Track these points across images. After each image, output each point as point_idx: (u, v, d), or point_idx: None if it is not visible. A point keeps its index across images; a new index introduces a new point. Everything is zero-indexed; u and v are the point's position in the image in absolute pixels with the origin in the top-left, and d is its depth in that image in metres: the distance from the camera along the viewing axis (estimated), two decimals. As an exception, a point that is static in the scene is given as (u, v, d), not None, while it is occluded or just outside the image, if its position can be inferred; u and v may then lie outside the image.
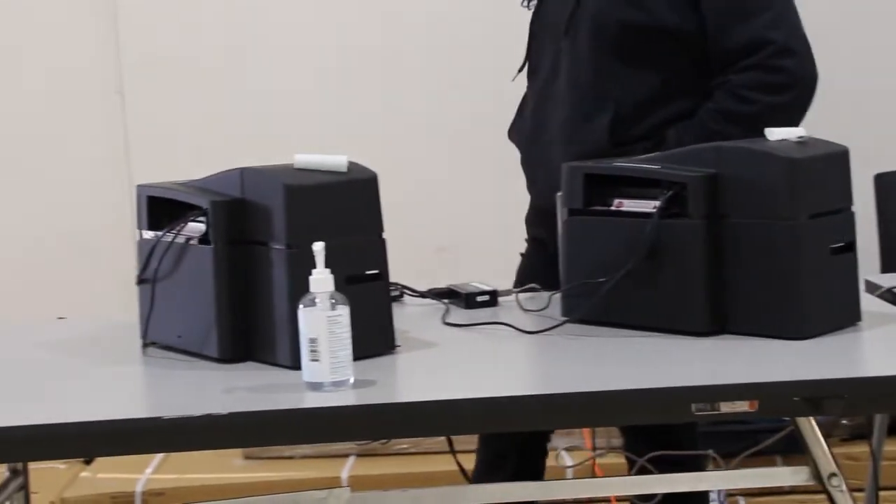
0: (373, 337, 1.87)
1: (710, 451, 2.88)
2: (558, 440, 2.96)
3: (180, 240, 1.94)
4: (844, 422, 3.04)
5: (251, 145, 3.53)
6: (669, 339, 1.93)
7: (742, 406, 1.68)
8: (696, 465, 2.51)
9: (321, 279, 1.74)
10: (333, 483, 3.03)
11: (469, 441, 2.60)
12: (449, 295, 2.24)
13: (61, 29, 3.70)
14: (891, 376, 1.73)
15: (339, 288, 1.75)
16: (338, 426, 1.70)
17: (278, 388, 1.78)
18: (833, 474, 1.99)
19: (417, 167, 3.59)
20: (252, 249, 1.88)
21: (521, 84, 2.57)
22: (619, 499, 2.89)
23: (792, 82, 2.29)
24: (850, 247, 1.95)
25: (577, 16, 2.38)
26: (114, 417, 1.67)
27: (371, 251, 1.90)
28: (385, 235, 1.92)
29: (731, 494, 3.01)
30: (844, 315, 1.95)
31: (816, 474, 2.01)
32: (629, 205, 2.00)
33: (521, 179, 2.53)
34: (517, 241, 2.59)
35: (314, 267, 1.75)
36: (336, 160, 1.89)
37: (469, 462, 2.55)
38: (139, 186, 2.04)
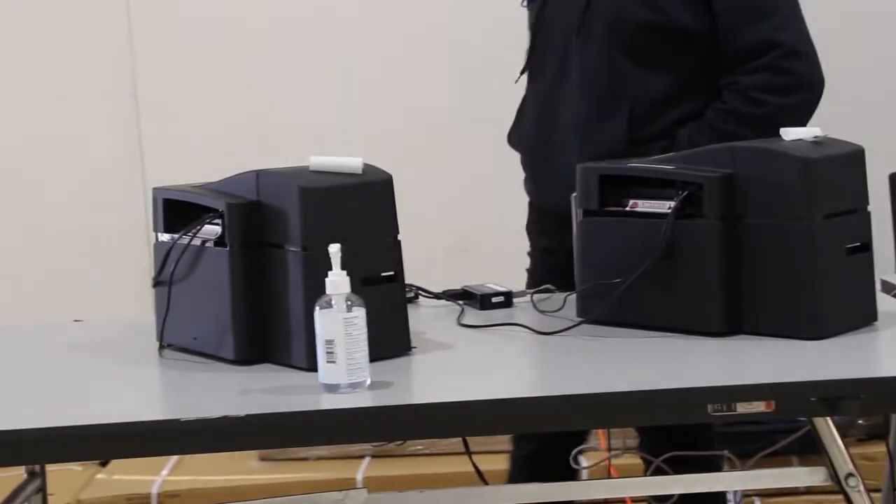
0: (389, 338, 1.88)
1: (726, 452, 2.87)
2: (573, 441, 2.95)
3: (196, 242, 1.94)
4: (861, 422, 3.03)
5: (265, 147, 3.54)
6: (685, 339, 1.93)
7: (758, 406, 1.68)
8: (712, 465, 2.51)
9: (337, 281, 1.74)
10: (349, 484, 3.04)
11: (484, 442, 2.60)
12: (464, 296, 2.24)
13: (75, 30, 3.71)
14: (908, 376, 1.73)
15: (355, 289, 1.75)
16: (354, 427, 1.70)
17: (294, 389, 1.78)
18: (850, 474, 1.98)
19: (432, 169, 3.59)
20: (268, 251, 1.89)
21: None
22: (634, 499, 2.88)
23: (800, 84, 2.31)
24: (866, 246, 1.95)
25: (589, 16, 2.37)
26: (131, 420, 1.68)
27: (386, 253, 1.90)
28: (400, 237, 1.92)
29: (747, 495, 3.00)
30: (860, 315, 1.94)
31: (833, 475, 2.01)
32: (644, 205, 2.00)
33: (535, 181, 2.53)
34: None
35: (330, 269, 1.75)
36: (351, 162, 1.90)
37: (485, 463, 2.55)
38: (155, 189, 2.05)
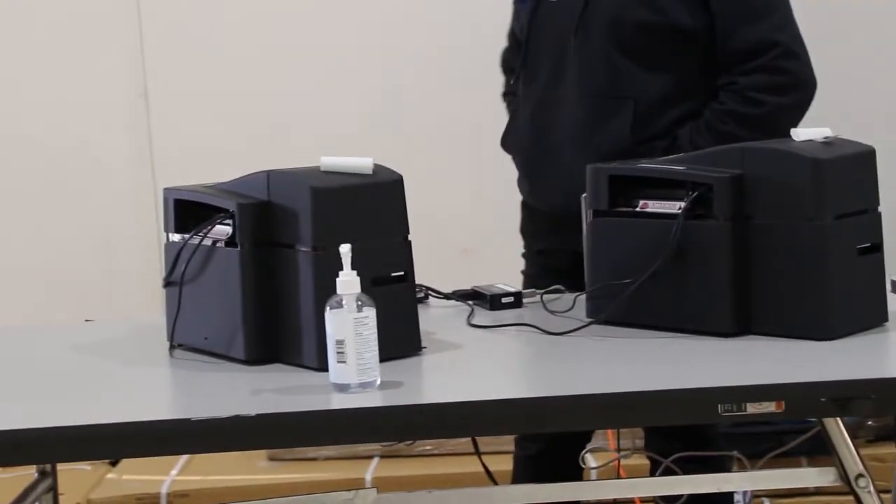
0: (399, 338, 1.88)
1: (735, 452, 2.87)
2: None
3: (207, 242, 1.95)
4: (870, 423, 3.03)
5: (275, 147, 3.55)
6: (695, 340, 1.93)
7: (769, 407, 1.68)
8: (719, 465, 2.51)
9: (348, 281, 1.75)
10: (358, 484, 3.04)
11: (493, 442, 2.60)
12: (474, 296, 2.24)
13: (86, 34, 3.72)
14: (919, 377, 1.73)
15: (366, 290, 1.76)
16: (365, 427, 1.70)
17: (305, 389, 1.78)
18: (860, 475, 1.98)
19: (443, 169, 3.59)
20: (278, 252, 1.89)
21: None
22: (643, 499, 2.88)
23: (797, 84, 2.34)
24: (877, 247, 1.95)
25: (587, 16, 2.38)
26: (142, 419, 1.68)
27: (397, 253, 1.90)
28: (410, 237, 1.92)
29: (756, 495, 3.00)
30: (871, 315, 1.94)
31: (843, 475, 2.01)
32: (654, 206, 2.00)
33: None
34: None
35: (340, 269, 1.76)
36: (362, 162, 1.90)
37: (494, 463, 2.55)
38: (166, 189, 2.05)
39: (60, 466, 2.20)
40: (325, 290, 1.77)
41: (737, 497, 2.86)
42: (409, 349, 1.91)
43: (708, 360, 1.85)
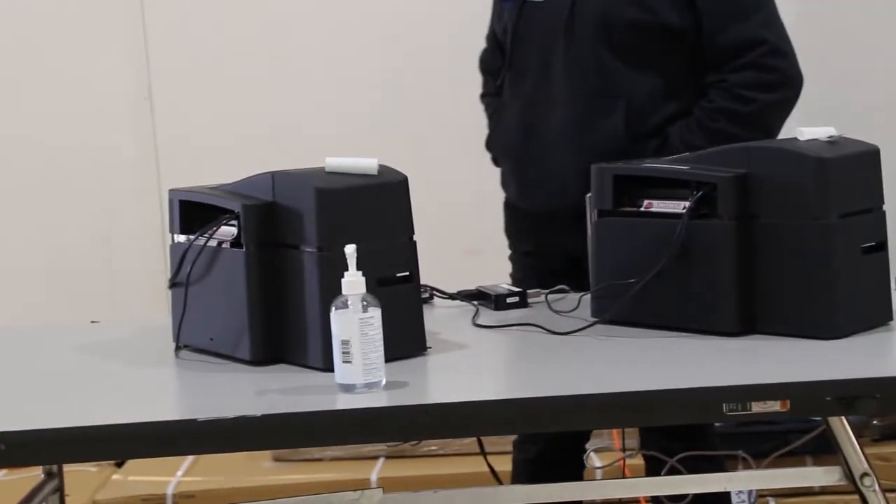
0: (404, 338, 1.88)
1: (741, 452, 2.87)
2: (587, 441, 2.96)
3: (212, 243, 1.95)
4: (875, 422, 3.03)
5: (280, 148, 3.55)
6: (700, 339, 1.93)
7: (774, 406, 1.68)
8: (718, 463, 2.50)
9: (353, 281, 1.75)
10: (363, 485, 3.04)
11: (498, 442, 2.60)
12: (478, 296, 2.24)
13: (90, 35, 3.73)
14: (924, 376, 1.73)
15: (371, 290, 1.76)
16: (371, 427, 1.71)
17: (311, 389, 1.79)
18: (865, 474, 1.98)
19: (447, 169, 3.59)
20: (284, 252, 1.89)
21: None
22: (647, 498, 2.88)
23: (785, 81, 2.35)
24: (882, 246, 1.95)
25: (575, 16, 2.38)
26: (148, 420, 1.69)
27: (402, 253, 1.91)
28: (415, 237, 1.92)
29: (761, 495, 3.00)
30: (876, 314, 1.94)
31: (848, 474, 2.01)
32: (659, 205, 2.00)
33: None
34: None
35: (346, 269, 1.76)
36: (367, 163, 1.90)
37: (499, 463, 2.55)
38: (171, 191, 2.06)
39: (66, 467, 2.20)
40: (331, 291, 1.77)
41: (742, 496, 2.86)
42: (415, 349, 1.91)
43: (713, 359, 1.85)
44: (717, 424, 2.87)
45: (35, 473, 2.18)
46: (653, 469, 2.50)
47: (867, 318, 1.93)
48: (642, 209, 2.02)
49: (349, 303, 1.74)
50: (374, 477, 3.16)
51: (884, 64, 3.54)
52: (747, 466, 2.89)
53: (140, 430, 1.67)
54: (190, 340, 2.01)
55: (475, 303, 2.22)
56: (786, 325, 1.90)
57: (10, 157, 3.74)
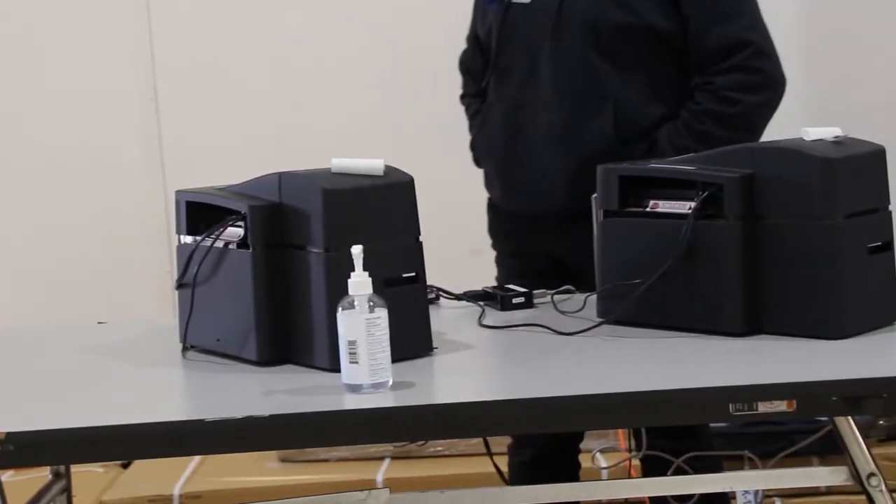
0: (410, 339, 1.89)
1: (746, 452, 2.87)
2: (593, 442, 2.96)
3: (219, 244, 1.95)
4: (881, 422, 3.03)
5: (286, 149, 3.55)
6: (705, 339, 1.93)
7: (780, 406, 1.68)
8: (714, 463, 2.49)
9: (360, 282, 1.75)
10: (369, 485, 3.05)
11: (504, 443, 2.60)
12: (484, 297, 2.25)
13: (95, 37, 3.73)
14: (930, 375, 1.73)
15: (377, 290, 1.76)
16: (377, 427, 1.71)
17: (317, 390, 1.79)
18: (872, 474, 1.98)
19: (454, 170, 3.59)
20: (290, 253, 1.90)
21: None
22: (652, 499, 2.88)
23: (769, 82, 2.37)
24: (888, 246, 1.95)
25: (563, 17, 2.38)
26: (156, 420, 1.69)
27: (408, 254, 1.91)
28: (421, 238, 1.93)
29: (767, 495, 3.00)
30: (882, 314, 1.94)
31: (855, 474, 2.01)
32: (664, 206, 2.01)
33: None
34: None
35: (352, 270, 1.76)
36: (373, 164, 1.91)
37: (505, 464, 2.56)
38: (178, 192, 2.06)
39: (73, 468, 2.21)
40: (337, 291, 1.78)
41: (748, 497, 2.86)
42: (421, 350, 1.92)
43: (719, 359, 1.85)
44: (722, 425, 2.88)
45: (42, 474, 2.19)
46: (649, 469, 2.50)
47: (873, 317, 1.93)
48: (648, 209, 2.02)
49: (356, 303, 1.74)
50: (379, 477, 3.16)
51: (885, 64, 3.54)
52: (753, 467, 2.89)
53: (148, 430, 1.67)
54: (197, 341, 2.02)
55: (481, 303, 2.22)
56: (792, 326, 1.91)
57: (16, 158, 3.75)
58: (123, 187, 3.75)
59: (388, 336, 1.74)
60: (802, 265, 1.89)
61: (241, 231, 1.93)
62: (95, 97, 3.74)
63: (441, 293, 2.27)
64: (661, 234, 1.98)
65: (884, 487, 1.99)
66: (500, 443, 2.53)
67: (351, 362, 1.74)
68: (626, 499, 2.65)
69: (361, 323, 1.73)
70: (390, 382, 1.75)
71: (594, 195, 2.10)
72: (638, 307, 1.98)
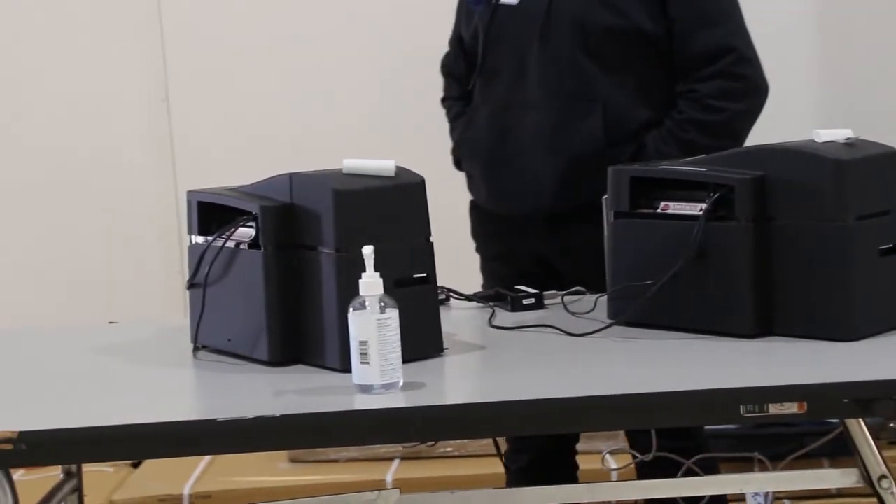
0: (421, 340, 1.89)
1: (756, 454, 2.87)
2: (602, 443, 2.96)
3: (230, 245, 1.96)
4: (892, 424, 3.02)
5: (296, 151, 3.56)
6: (716, 341, 1.93)
7: (791, 408, 1.68)
8: (710, 463, 2.49)
9: (371, 282, 1.76)
10: (379, 486, 3.05)
11: (514, 444, 2.60)
12: (495, 298, 2.25)
13: (107, 38, 3.74)
14: (942, 378, 1.73)
15: (388, 291, 1.77)
16: (388, 428, 1.71)
17: (328, 390, 1.79)
18: (883, 476, 1.98)
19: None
20: (301, 254, 1.90)
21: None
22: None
23: (752, 89, 2.38)
24: (900, 248, 1.95)
25: (552, 18, 2.38)
26: (167, 420, 1.70)
27: (419, 255, 1.91)
28: (432, 239, 1.93)
29: (778, 497, 3.00)
30: (893, 316, 1.94)
31: (866, 476, 2.00)
32: (675, 207, 2.01)
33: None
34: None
35: (363, 270, 1.77)
36: (384, 164, 1.91)
37: (515, 465, 2.55)
38: (189, 192, 2.07)
39: (83, 468, 2.21)
40: (348, 292, 1.78)
41: (758, 499, 2.86)
42: (432, 350, 1.92)
43: (730, 361, 1.85)
44: (733, 426, 2.88)
45: (54, 473, 2.19)
46: (643, 471, 2.49)
47: (885, 319, 1.92)
48: (659, 211, 2.02)
49: (367, 304, 1.75)
50: (389, 478, 3.17)
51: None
52: (763, 468, 2.89)
53: (159, 430, 1.68)
54: (208, 341, 2.02)
55: (491, 304, 2.22)
56: (803, 327, 1.90)
57: (28, 159, 3.76)
58: (135, 188, 3.76)
59: (398, 337, 1.74)
60: (814, 267, 1.89)
61: (252, 231, 1.93)
62: (107, 98, 3.75)
63: (451, 294, 2.27)
64: (672, 236, 1.97)
65: (895, 490, 1.99)
66: (510, 444, 2.52)
67: (362, 363, 1.74)
68: (636, 500, 2.65)
69: (372, 323, 1.73)
70: (401, 383, 1.75)
71: (605, 196, 2.10)
72: (649, 308, 1.98)
